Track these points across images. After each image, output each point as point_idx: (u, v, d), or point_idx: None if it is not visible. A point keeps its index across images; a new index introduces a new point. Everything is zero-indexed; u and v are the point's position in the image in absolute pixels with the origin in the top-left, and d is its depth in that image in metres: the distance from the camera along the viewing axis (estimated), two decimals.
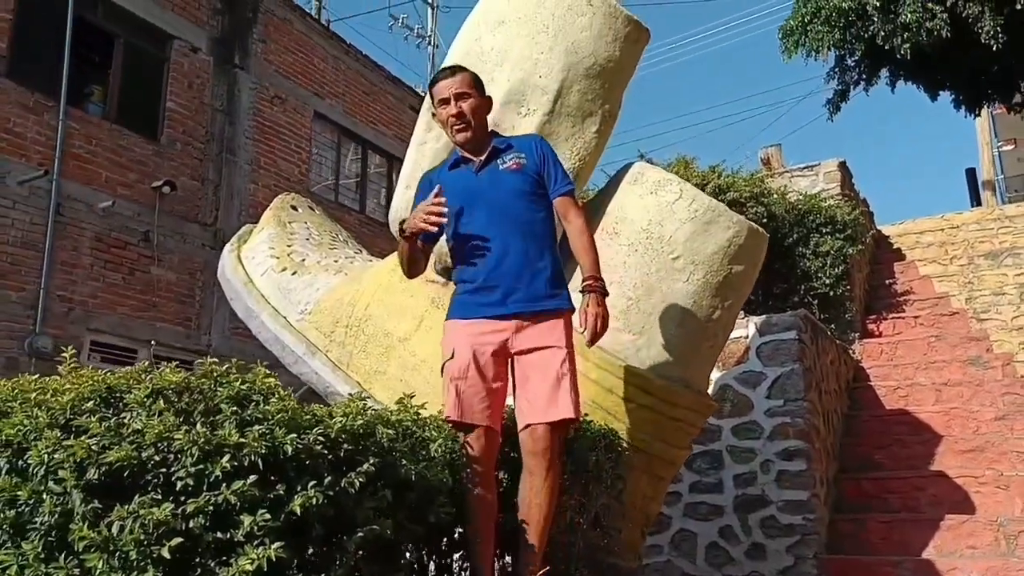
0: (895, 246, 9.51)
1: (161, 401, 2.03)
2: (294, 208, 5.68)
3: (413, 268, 3.00)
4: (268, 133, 10.45)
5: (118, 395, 2.07)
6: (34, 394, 2.03)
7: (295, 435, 2.05)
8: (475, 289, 2.80)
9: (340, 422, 2.24)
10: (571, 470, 3.15)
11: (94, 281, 8.19)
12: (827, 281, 7.11)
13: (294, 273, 4.92)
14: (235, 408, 2.05)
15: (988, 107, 11.61)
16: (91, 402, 2.02)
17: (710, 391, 4.37)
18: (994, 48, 7.79)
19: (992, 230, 8.81)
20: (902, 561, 4.98)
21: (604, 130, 3.88)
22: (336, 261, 5.72)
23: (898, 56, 8.42)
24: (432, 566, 2.62)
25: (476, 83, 3.02)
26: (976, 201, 15.76)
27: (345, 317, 4.42)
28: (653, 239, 3.69)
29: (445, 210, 2.72)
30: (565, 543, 3.11)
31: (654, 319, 3.68)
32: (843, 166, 8.65)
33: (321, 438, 2.11)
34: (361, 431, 2.28)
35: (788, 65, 9.77)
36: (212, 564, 1.88)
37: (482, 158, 2.92)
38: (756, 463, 5.54)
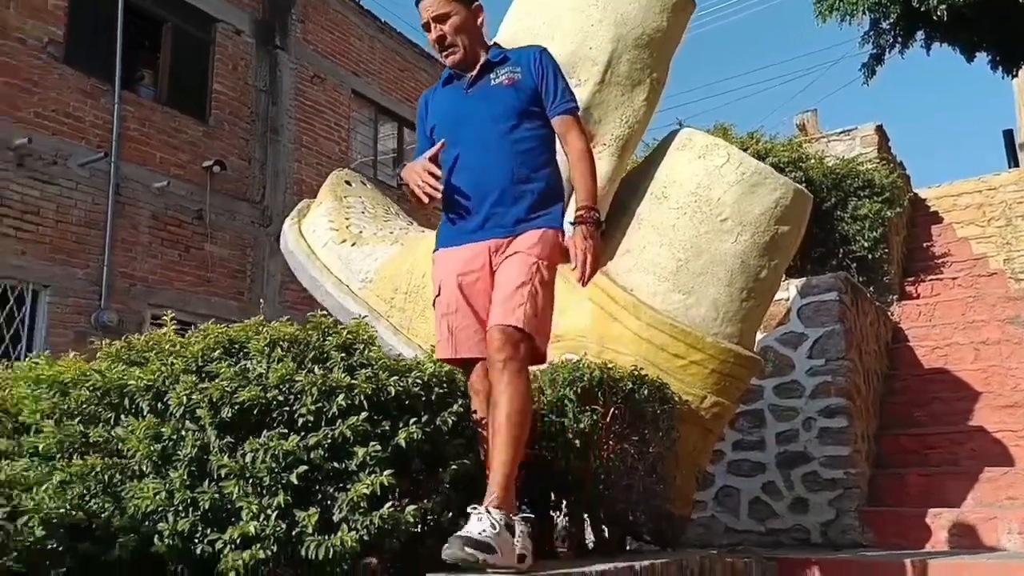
0: (932, 209, 9.55)
1: (278, 349, 2.28)
2: (348, 183, 5.91)
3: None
4: (309, 112, 10.71)
5: (239, 345, 2.32)
6: (167, 345, 2.29)
7: (396, 377, 2.30)
8: (457, 215, 2.62)
9: (431, 367, 2.49)
10: (629, 420, 3.39)
11: (152, 258, 8.55)
12: (865, 244, 7.23)
13: (353, 244, 5.16)
14: (343, 355, 2.30)
15: None
16: (217, 351, 2.27)
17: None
18: None
19: None
20: (941, 512, 5.14)
21: (652, 98, 4.05)
22: (392, 232, 5.97)
23: (934, 17, 8.41)
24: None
25: None
26: (1014, 162, 15.59)
27: (404, 284, 4.66)
28: (701, 201, 3.87)
29: (437, 181, 2.53)
30: (625, 486, 3.35)
31: (703, 279, 3.87)
32: (880, 130, 8.71)
33: (418, 381, 2.36)
34: (448, 376, 2.53)
35: (818, 30, 9.79)
36: (331, 490, 2.14)
37: (473, 74, 2.69)
38: (798, 421, 5.71)
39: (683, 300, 3.88)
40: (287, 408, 2.16)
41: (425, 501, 2.24)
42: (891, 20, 9.30)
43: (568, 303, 4.01)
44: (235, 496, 2.06)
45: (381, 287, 4.80)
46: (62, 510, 1.80)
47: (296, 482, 2.08)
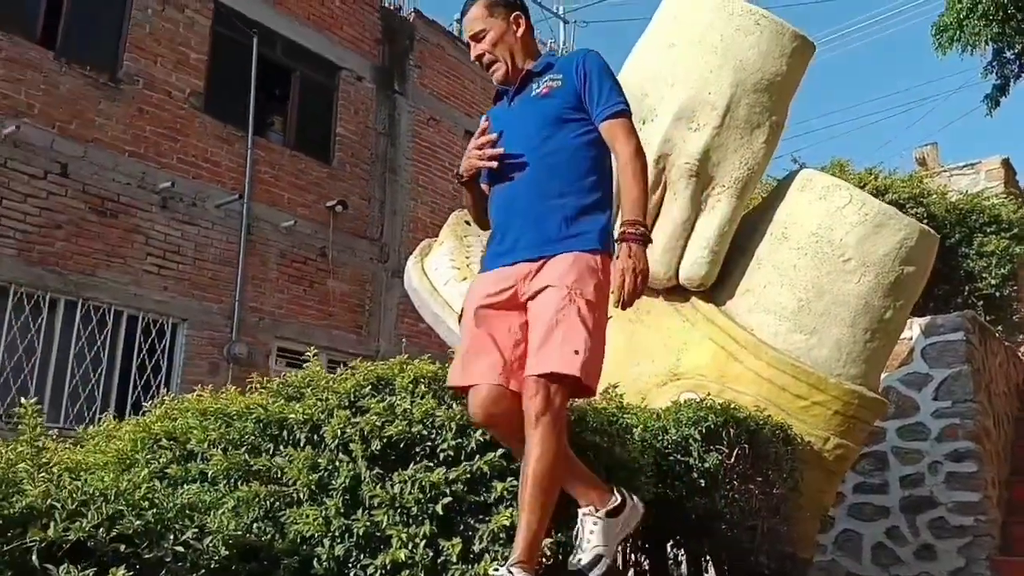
0: None
1: (421, 386, 2.44)
2: (468, 223, 6.12)
3: (483, 217, 2.59)
4: (425, 153, 11.12)
5: (385, 382, 2.49)
6: (322, 382, 2.49)
7: None
8: (492, 239, 2.46)
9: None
10: (753, 460, 3.40)
11: (279, 293, 9.04)
12: (992, 282, 6.95)
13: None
14: None
15: None
16: (367, 387, 2.45)
17: None
18: None
19: None
20: None
21: (771, 140, 4.10)
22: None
23: None
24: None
25: (490, 8, 2.55)
26: None
27: None
28: (823, 242, 3.87)
29: (494, 140, 2.43)
30: (749, 527, 3.36)
31: (826, 319, 3.86)
32: (1006, 163, 8.40)
33: None
34: (578, 413, 2.63)
35: (928, 62, 9.54)
36: (472, 521, 2.27)
37: (515, 86, 2.52)
38: (923, 464, 5.54)
39: (805, 340, 3.88)
40: (429, 442, 2.31)
41: (558, 534, 2.34)
42: (1016, 50, 9.01)
43: (688, 341, 4.07)
44: (385, 524, 2.21)
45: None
46: (239, 532, 1.99)
47: (440, 512, 2.21)
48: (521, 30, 2.54)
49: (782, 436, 3.59)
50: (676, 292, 4.22)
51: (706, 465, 3.07)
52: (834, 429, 3.89)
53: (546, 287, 2.21)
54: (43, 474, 1.77)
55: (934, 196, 7.15)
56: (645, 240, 2.24)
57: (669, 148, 4.06)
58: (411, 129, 10.97)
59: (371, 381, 2.49)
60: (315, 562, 2.20)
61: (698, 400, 3.36)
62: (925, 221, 6.64)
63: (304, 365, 2.77)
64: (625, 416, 3.00)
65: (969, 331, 5.61)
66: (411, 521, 2.22)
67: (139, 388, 7.77)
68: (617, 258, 2.22)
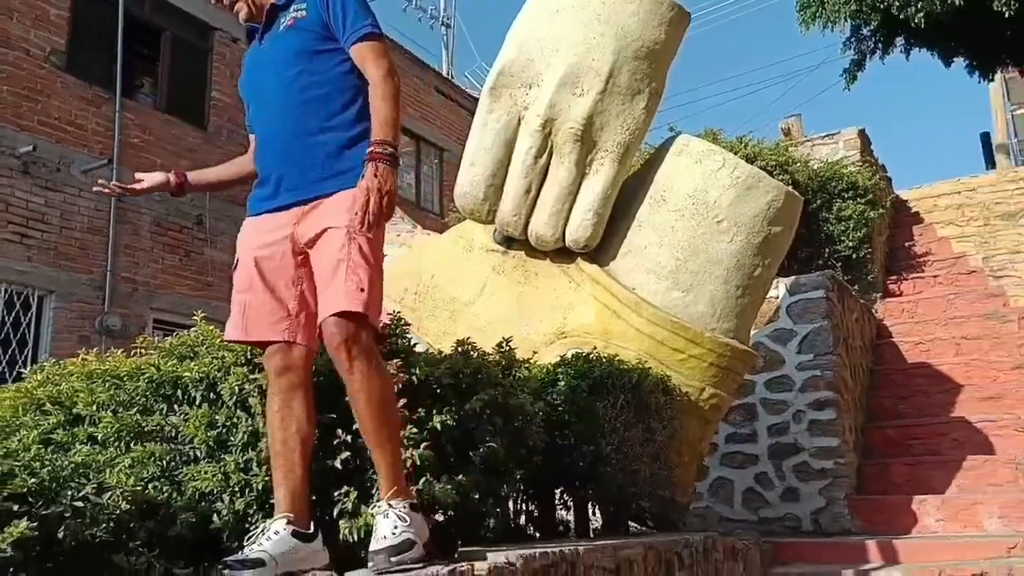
0: (913, 210, 9.85)
1: None
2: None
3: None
4: None
5: None
6: (217, 340, 2.47)
7: (429, 367, 2.49)
8: (257, 183, 2.37)
9: (460, 360, 2.68)
10: (635, 409, 3.60)
11: (154, 263, 8.70)
12: (850, 244, 7.49)
13: None
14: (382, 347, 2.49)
15: (1002, 71, 11.85)
16: None
17: None
18: (1006, 15, 8.08)
19: (1008, 191, 9.14)
20: (926, 499, 5.37)
21: (651, 106, 4.27)
22: (398, 235, 6.15)
23: (912, 25, 8.71)
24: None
25: None
26: (991, 164, 15.98)
27: (413, 285, 4.84)
28: (699, 204, 4.09)
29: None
30: (632, 471, 3.55)
31: (701, 277, 4.09)
32: (862, 134, 8.99)
33: (447, 371, 2.55)
34: (475, 367, 2.72)
35: (796, 37, 10.06)
36: (370, 471, 2.32)
37: (263, 23, 2.42)
38: (788, 414, 5.94)
39: (682, 297, 4.10)
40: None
41: (460, 476, 2.42)
42: (872, 27, 9.61)
43: (574, 301, 4.23)
44: None
45: (392, 287, 4.93)
46: (138, 488, 1.98)
47: (339, 466, 2.26)
48: None
49: (662, 387, 3.81)
50: (562, 254, 4.37)
51: (592, 415, 3.23)
52: (709, 380, 4.14)
53: (325, 229, 2.15)
54: None
55: (798, 164, 7.60)
56: (393, 160, 2.12)
57: (555, 113, 4.17)
58: None
59: None
60: (215, 517, 2.21)
61: (584, 354, 3.51)
62: (790, 187, 7.06)
63: (190, 329, 2.73)
64: (517, 369, 3.12)
65: (829, 289, 6.03)
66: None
67: (3, 363, 7.34)
68: (362, 178, 2.10)
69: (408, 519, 2.02)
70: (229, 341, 2.32)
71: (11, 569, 1.52)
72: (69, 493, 1.77)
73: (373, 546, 1.99)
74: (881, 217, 8.20)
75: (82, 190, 8.14)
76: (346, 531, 2.21)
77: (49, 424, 2.39)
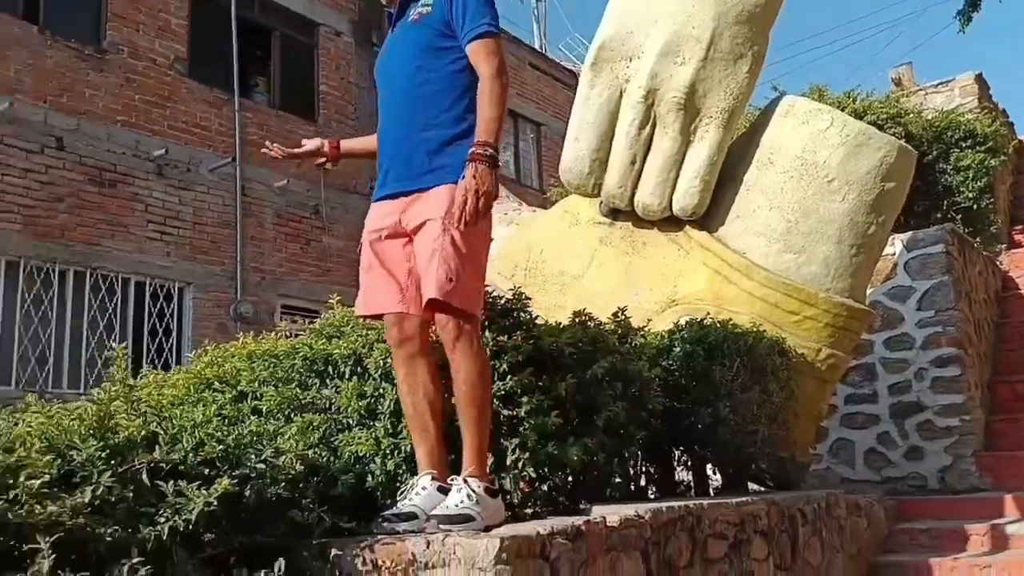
0: None
1: None
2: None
3: None
4: None
5: None
6: (359, 320, 2.71)
7: (552, 339, 2.66)
8: (379, 171, 2.51)
9: (579, 330, 2.84)
10: (751, 372, 3.68)
11: (278, 252, 9.24)
12: (970, 195, 7.22)
13: None
14: (503, 321, 2.68)
15: None
16: None
17: None
18: None
19: None
20: None
21: (755, 70, 4.28)
22: (505, 215, 6.35)
23: None
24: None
25: None
26: None
27: (523, 261, 5.02)
28: (807, 165, 4.10)
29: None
30: (751, 432, 3.64)
31: (813, 238, 4.10)
32: (979, 79, 8.59)
33: (568, 340, 2.72)
34: (596, 336, 2.88)
35: None
36: (505, 432, 2.52)
37: (396, 10, 2.52)
38: (910, 372, 5.84)
39: (794, 259, 4.12)
40: None
41: (585, 440, 2.59)
42: None
43: (684, 268, 4.32)
44: None
45: (501, 265, 5.16)
46: (307, 454, 2.24)
47: None
48: None
49: (778, 349, 3.86)
50: (670, 223, 4.45)
51: (709, 378, 3.34)
52: (825, 340, 4.16)
53: (424, 222, 2.28)
54: (133, 411, 2.00)
55: (911, 115, 7.37)
56: (492, 161, 2.21)
57: (657, 83, 4.24)
58: None
59: None
60: (369, 477, 2.45)
61: (699, 320, 3.61)
62: (903, 140, 6.86)
63: (330, 312, 3.00)
64: (633, 337, 3.26)
65: (949, 243, 5.87)
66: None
67: (152, 351, 7.99)
68: (462, 178, 2.21)
69: (477, 499, 2.11)
70: (357, 316, 2.53)
71: (216, 519, 1.78)
72: (252, 457, 2.03)
73: (434, 511, 2.11)
74: (1003, 165, 7.85)
75: (211, 188, 8.71)
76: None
77: (225, 399, 2.69)
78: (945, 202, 7.25)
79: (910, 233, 6.10)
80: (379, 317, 2.45)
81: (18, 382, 7.07)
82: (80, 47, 8.04)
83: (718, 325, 3.56)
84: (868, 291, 6.02)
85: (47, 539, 1.43)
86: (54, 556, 1.44)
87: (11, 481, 1.55)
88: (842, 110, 7.00)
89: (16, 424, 1.89)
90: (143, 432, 1.89)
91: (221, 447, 2.04)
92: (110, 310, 7.81)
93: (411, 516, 2.18)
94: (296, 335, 3.03)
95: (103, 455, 1.76)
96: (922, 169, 7.17)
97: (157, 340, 8.11)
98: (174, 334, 8.24)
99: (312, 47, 10.28)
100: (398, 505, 2.26)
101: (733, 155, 4.38)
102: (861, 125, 4.09)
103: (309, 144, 2.82)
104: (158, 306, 8.18)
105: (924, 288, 5.87)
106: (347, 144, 2.85)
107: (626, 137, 4.36)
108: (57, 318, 7.44)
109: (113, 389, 1.94)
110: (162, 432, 1.85)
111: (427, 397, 2.33)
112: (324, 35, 10.36)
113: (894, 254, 6.03)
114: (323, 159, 2.84)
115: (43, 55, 7.72)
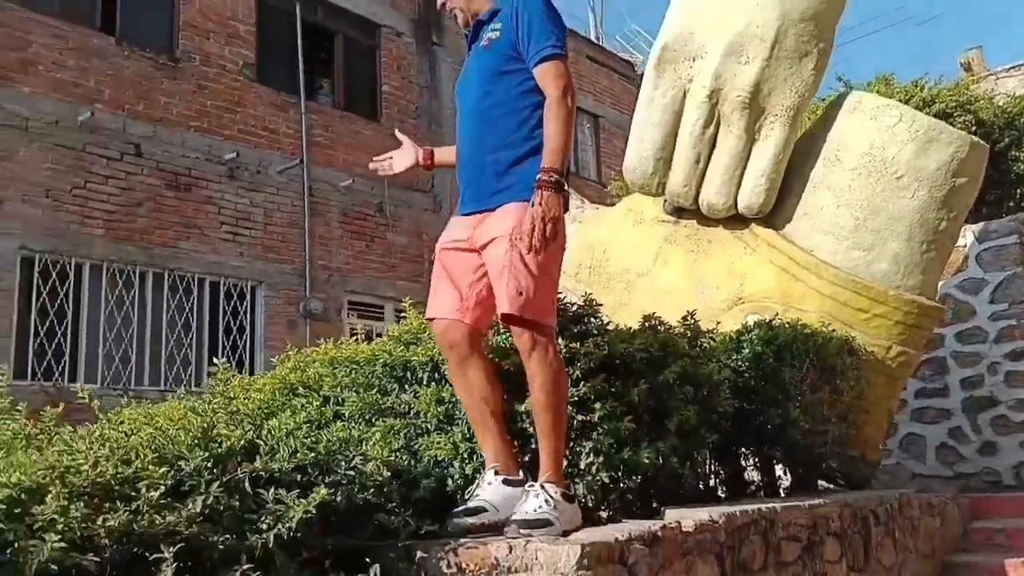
0: None
1: None
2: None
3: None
4: None
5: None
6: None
7: (624, 344, 2.72)
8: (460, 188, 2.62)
9: (649, 335, 2.90)
10: (821, 371, 3.68)
11: (344, 250, 9.48)
12: None
13: None
14: (576, 327, 2.75)
15: None
16: None
17: None
18: None
19: None
20: None
21: (820, 66, 4.25)
22: (568, 212, 6.37)
23: None
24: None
25: None
26: None
27: (587, 260, 5.08)
28: (876, 161, 4.06)
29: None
30: (820, 432, 3.65)
31: (882, 235, 4.07)
32: None
33: (640, 345, 2.77)
34: (666, 340, 2.93)
35: None
36: (579, 438, 2.59)
37: (471, 34, 2.60)
38: (983, 366, 5.74)
39: (863, 256, 4.10)
40: None
41: (659, 444, 2.65)
42: None
43: (750, 267, 4.33)
44: None
45: (566, 263, 5.19)
46: (391, 459, 2.35)
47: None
48: None
49: (847, 348, 3.85)
50: (736, 221, 4.46)
51: (778, 379, 3.36)
52: (896, 338, 4.13)
53: (492, 239, 2.36)
54: (233, 421, 2.13)
55: (981, 101, 7.19)
56: (558, 187, 2.25)
57: (721, 83, 4.25)
58: (452, 81, 11.18)
59: None
60: (449, 480, 2.55)
61: (766, 320, 3.62)
62: (973, 128, 6.71)
63: (404, 316, 3.10)
64: (703, 339, 3.30)
65: (1022, 234, 5.74)
66: (528, 441, 2.55)
67: (227, 349, 8.29)
68: (531, 205, 2.25)
69: (555, 504, 2.17)
70: (427, 319, 2.61)
71: (310, 524, 1.89)
72: (342, 463, 2.14)
73: (514, 516, 2.17)
74: None
75: (280, 189, 8.97)
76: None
77: (312, 406, 2.81)
78: (1018, 191, 7.07)
79: (982, 224, 5.99)
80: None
81: (103, 380, 7.41)
82: (155, 56, 8.35)
83: (787, 326, 3.57)
84: (939, 284, 5.94)
85: (170, 548, 1.55)
86: (176, 564, 1.56)
87: (132, 493, 1.68)
88: (909, 99, 6.88)
89: (120, 428, 2.03)
90: (242, 441, 2.02)
91: (312, 455, 2.15)
92: (187, 310, 8.13)
93: (479, 510, 2.27)
94: (367, 337, 3.16)
95: (208, 464, 1.89)
96: (994, 157, 6.99)
97: (231, 337, 8.40)
98: (247, 331, 8.53)
99: (374, 48, 10.46)
100: (468, 501, 2.35)
101: (799, 152, 4.37)
102: (931, 120, 4.04)
103: (407, 159, 2.95)
104: (232, 305, 8.47)
105: (997, 280, 5.76)
106: (438, 155, 2.97)
107: (690, 136, 4.38)
108: (138, 319, 7.77)
109: (215, 401, 2.07)
110: (262, 443, 1.97)
111: (482, 397, 2.43)
112: (386, 36, 10.54)
113: (965, 246, 5.92)
114: (424, 167, 2.98)
115: (121, 65, 8.04)
